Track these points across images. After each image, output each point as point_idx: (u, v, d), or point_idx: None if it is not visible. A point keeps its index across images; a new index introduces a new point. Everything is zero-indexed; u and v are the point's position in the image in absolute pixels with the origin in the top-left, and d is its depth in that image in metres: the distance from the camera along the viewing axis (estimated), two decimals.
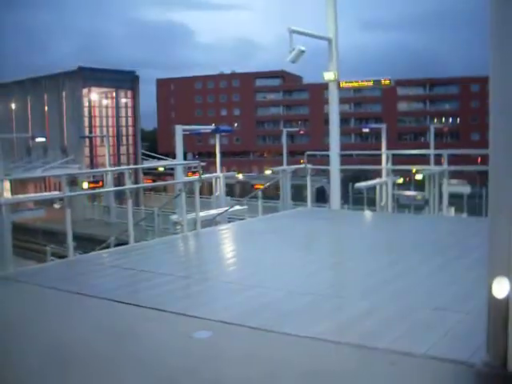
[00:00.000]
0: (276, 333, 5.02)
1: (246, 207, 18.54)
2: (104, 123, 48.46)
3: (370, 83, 13.48)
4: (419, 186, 20.81)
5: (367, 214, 14.59)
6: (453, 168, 14.87)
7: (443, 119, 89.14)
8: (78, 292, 6.55)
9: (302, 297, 6.21)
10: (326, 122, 14.16)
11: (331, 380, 4.19)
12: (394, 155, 18.18)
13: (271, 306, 5.87)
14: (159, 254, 9.40)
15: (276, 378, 4.20)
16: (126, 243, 9.87)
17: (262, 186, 20.62)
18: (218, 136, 23.41)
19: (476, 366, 3.99)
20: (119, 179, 36.57)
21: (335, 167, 13.33)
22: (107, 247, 11.85)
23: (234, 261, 8.92)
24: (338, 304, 6.08)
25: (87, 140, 46.26)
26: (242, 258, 9.00)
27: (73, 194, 11.12)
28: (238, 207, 17.83)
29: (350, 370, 4.32)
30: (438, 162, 19.05)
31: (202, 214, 11.96)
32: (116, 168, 41.00)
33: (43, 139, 37.29)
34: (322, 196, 16.43)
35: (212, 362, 4.46)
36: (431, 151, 22.00)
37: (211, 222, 13.98)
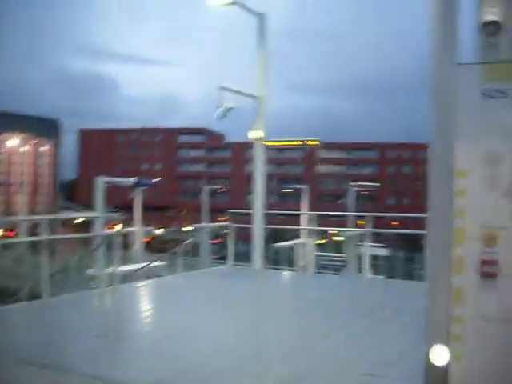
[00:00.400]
0: None
1: (165, 263, 18.07)
2: (22, 170, 47.30)
3: (299, 143, 13.62)
4: (338, 247, 20.96)
5: (288, 274, 14.48)
6: (376, 230, 15.02)
7: (362, 183, 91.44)
8: None
9: (225, 359, 5.95)
10: (248, 180, 14.14)
11: None
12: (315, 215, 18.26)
13: (193, 370, 5.57)
14: (74, 310, 8.91)
15: None
16: (39, 296, 9.37)
17: (147, 240, 20.26)
18: (138, 190, 23.03)
19: None
20: (34, 228, 35.49)
21: (259, 226, 13.24)
22: (18, 300, 11.23)
23: (152, 320, 8.58)
24: (261, 368, 5.85)
25: (2, 187, 44.93)
26: (161, 317, 8.67)
27: None
28: (156, 263, 17.35)
29: None
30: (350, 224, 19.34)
31: (120, 268, 11.55)
32: (31, 218, 39.77)
33: None
34: (195, 250, 16.92)
35: None
36: (351, 212, 22.31)
37: (129, 277, 13.54)
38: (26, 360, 5.70)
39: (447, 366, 3.61)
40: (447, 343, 3.61)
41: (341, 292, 10.89)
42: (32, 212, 43.97)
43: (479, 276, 3.56)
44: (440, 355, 3.65)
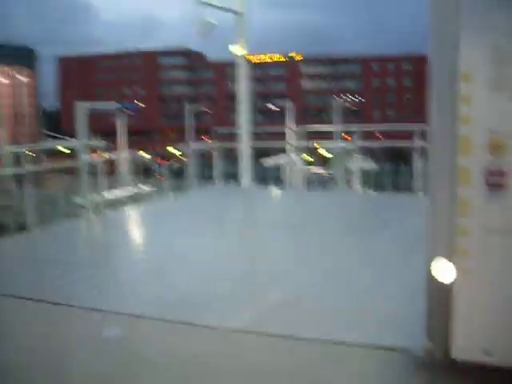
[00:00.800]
0: (195, 326, 4.62)
1: (152, 187, 17.87)
2: (0, 102, 46.53)
3: (282, 58, 13.22)
4: (325, 163, 20.82)
5: (277, 191, 14.33)
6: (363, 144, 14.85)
7: (347, 97, 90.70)
8: None
9: (220, 284, 5.80)
10: (230, 99, 13.83)
11: (259, 375, 3.83)
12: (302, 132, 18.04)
13: (187, 297, 5.43)
14: (63, 240, 8.71)
15: (200, 379, 3.80)
16: (26, 228, 9.18)
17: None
18: (121, 114, 22.63)
19: (415, 353, 3.75)
20: (18, 160, 35.12)
21: (246, 144, 13.01)
22: (4, 234, 11.05)
23: (144, 247, 8.43)
24: (257, 291, 5.74)
25: None
26: (152, 243, 8.52)
27: None
28: (144, 187, 17.13)
29: (278, 363, 3.97)
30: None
31: (107, 195, 11.36)
32: (14, 149, 39.19)
33: None
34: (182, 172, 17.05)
35: (126, 366, 4.00)
36: (338, 127, 22.06)
37: (117, 203, 13.37)
38: (17, 293, 5.54)
39: (451, 281, 3.46)
40: (451, 257, 3.44)
41: (333, 208, 10.77)
42: (15, 144, 43.43)
43: (486, 187, 3.35)
44: (443, 270, 3.50)
